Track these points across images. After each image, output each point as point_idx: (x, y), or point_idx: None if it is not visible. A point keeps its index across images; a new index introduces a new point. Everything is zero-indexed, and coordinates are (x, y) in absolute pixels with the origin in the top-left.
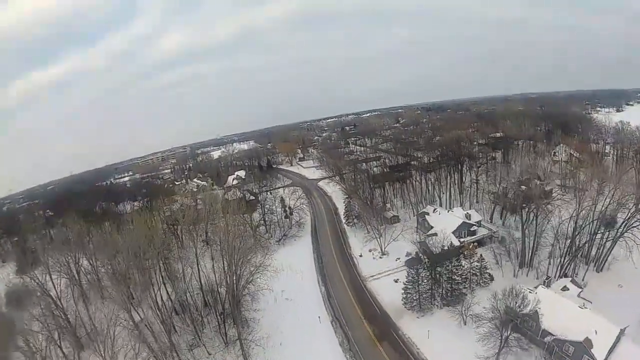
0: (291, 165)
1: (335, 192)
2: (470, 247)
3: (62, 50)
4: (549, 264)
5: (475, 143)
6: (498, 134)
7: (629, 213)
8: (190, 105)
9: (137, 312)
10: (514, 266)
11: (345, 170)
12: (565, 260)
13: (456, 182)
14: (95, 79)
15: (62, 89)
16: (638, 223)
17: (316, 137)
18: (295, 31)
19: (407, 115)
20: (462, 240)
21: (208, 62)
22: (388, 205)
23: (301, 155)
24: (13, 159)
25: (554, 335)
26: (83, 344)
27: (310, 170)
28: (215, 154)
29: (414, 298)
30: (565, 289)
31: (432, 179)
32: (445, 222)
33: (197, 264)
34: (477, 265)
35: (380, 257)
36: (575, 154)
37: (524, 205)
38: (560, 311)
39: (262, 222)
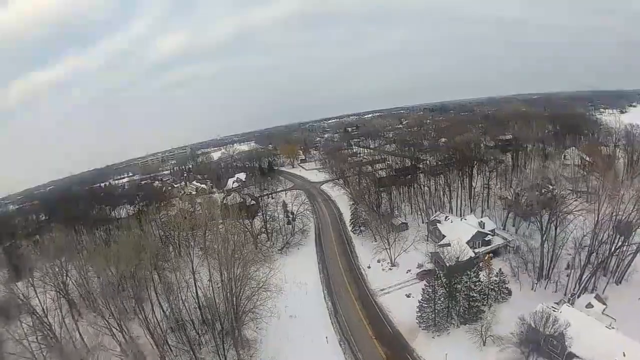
0: (293, 167)
1: (339, 196)
2: (486, 258)
3: (62, 50)
4: (568, 276)
5: (483, 145)
6: (507, 136)
7: None
8: (190, 105)
9: (125, 334)
10: (532, 279)
11: (350, 173)
12: (585, 273)
13: (466, 186)
14: (95, 78)
15: (62, 89)
16: None
17: (318, 139)
18: (295, 31)
19: (411, 116)
20: (476, 250)
21: (208, 62)
22: (396, 212)
23: (303, 157)
24: (13, 158)
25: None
26: None
27: (312, 173)
28: (216, 155)
29: (430, 317)
30: (589, 305)
31: (442, 183)
32: (459, 230)
33: (194, 277)
34: (495, 280)
35: (390, 269)
36: (585, 158)
37: (542, 212)
38: (586, 332)
39: (263, 229)
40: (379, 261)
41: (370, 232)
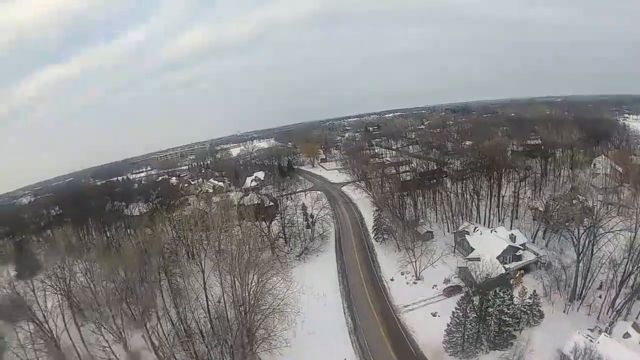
0: (313, 166)
1: (360, 199)
2: (517, 275)
3: (83, 43)
4: (601, 297)
5: (511, 150)
6: (535, 141)
7: None
8: (211, 100)
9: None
10: (564, 300)
11: (372, 175)
12: (620, 296)
13: (495, 194)
14: (117, 72)
15: (85, 82)
16: None
17: (338, 137)
18: (314, 29)
19: (432, 116)
20: (506, 266)
21: (228, 59)
22: (421, 220)
23: (323, 157)
24: (33, 151)
25: None
26: None
27: (332, 173)
28: (235, 152)
29: (459, 342)
30: (626, 335)
31: (470, 190)
32: (488, 244)
33: (204, 287)
34: (529, 302)
35: (415, 283)
36: (616, 167)
37: (578, 227)
38: None
39: (281, 234)
40: (402, 274)
41: (394, 240)
